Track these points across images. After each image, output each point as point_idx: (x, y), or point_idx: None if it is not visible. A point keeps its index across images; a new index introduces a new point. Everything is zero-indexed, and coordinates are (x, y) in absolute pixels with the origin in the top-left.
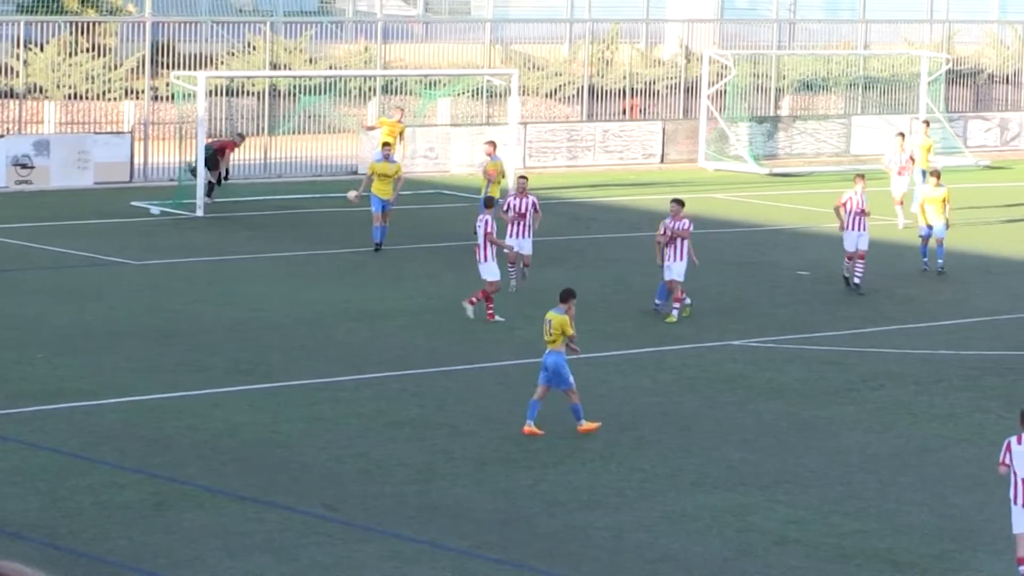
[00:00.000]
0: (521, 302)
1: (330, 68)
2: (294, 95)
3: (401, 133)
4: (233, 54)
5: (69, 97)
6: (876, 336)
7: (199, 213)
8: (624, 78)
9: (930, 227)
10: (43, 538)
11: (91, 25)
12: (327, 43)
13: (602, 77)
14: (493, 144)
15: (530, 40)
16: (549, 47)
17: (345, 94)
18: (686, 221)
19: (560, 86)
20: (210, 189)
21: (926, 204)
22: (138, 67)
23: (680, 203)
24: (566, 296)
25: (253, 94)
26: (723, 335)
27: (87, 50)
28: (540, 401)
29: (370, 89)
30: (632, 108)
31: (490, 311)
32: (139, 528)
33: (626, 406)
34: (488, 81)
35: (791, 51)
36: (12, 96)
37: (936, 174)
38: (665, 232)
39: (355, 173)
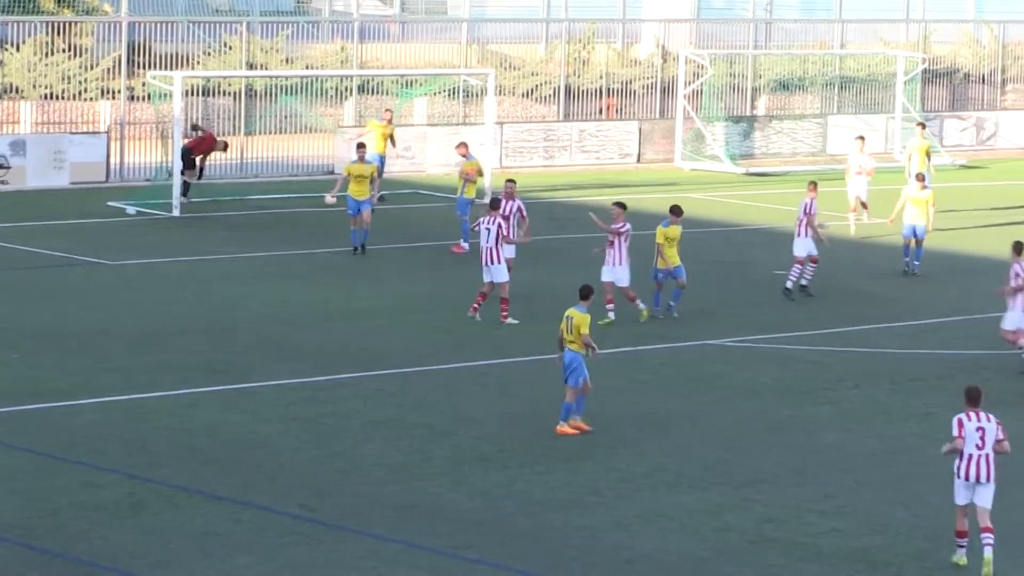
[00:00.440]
0: (496, 304)
1: (307, 68)
2: (271, 95)
3: (391, 136)
4: (209, 54)
5: (45, 97)
6: (853, 336)
7: (175, 213)
8: (600, 78)
9: (913, 227)
10: (19, 538)
11: (67, 25)
12: (303, 43)
13: (578, 77)
14: (465, 145)
15: (506, 40)
16: (525, 47)
17: (322, 94)
18: (624, 223)
19: (536, 86)
20: (186, 189)
21: (909, 204)
22: (114, 67)
23: (622, 206)
24: (587, 292)
25: (229, 94)
26: (700, 335)
27: (63, 50)
28: (571, 403)
29: (347, 89)
30: (608, 108)
31: (504, 313)
32: (116, 528)
33: (603, 406)
34: (464, 81)
35: (767, 51)
36: None
37: (921, 177)
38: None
39: (331, 173)
